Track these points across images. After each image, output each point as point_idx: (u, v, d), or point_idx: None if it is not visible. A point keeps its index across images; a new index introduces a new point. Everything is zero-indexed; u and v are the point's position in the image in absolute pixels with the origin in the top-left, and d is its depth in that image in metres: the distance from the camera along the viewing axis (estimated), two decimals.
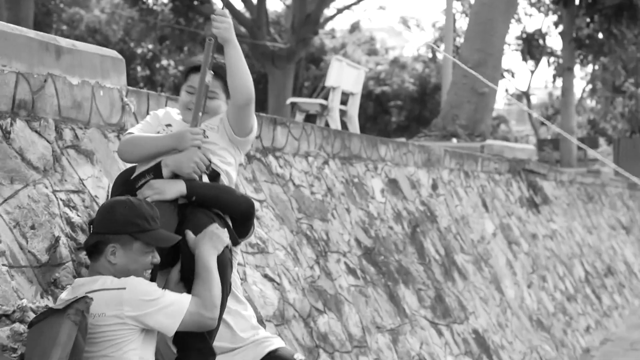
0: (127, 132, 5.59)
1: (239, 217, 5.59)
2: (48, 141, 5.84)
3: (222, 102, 5.76)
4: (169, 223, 5.22)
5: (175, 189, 5.28)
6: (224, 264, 5.35)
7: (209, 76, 5.48)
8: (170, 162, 5.34)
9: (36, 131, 5.77)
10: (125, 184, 5.48)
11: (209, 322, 5.02)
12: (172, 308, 4.81)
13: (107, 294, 4.73)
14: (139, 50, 41.23)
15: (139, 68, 41.85)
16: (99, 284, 4.82)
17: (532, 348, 13.40)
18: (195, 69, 5.65)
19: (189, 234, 5.24)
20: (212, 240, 5.23)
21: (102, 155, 6.32)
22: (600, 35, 34.58)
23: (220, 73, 5.67)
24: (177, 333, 5.19)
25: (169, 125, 5.57)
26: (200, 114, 5.43)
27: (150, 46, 41.30)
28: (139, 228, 4.82)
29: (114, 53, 6.61)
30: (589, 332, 17.67)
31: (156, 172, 5.35)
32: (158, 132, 5.57)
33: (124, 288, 4.73)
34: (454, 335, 11.06)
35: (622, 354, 16.62)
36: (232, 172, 5.71)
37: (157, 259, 4.97)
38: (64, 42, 6.16)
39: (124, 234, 4.83)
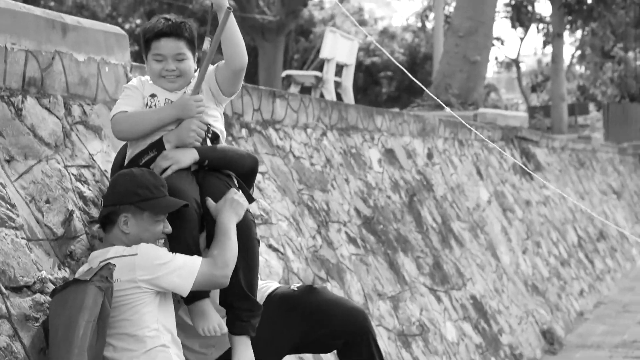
0: (117, 110, 5.47)
1: (246, 173, 5.62)
2: (58, 117, 5.88)
3: (192, 62, 5.72)
4: (192, 190, 5.27)
5: (189, 156, 5.29)
6: (249, 225, 5.41)
7: (207, 43, 5.50)
8: (172, 138, 5.36)
9: (46, 108, 5.81)
10: (129, 163, 5.45)
11: (221, 280, 5.06)
12: (184, 270, 4.87)
13: (120, 261, 4.78)
14: (127, 26, 41.06)
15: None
16: (111, 252, 4.89)
17: (528, 312, 13.45)
18: (161, 34, 5.55)
19: (210, 202, 5.30)
20: (232, 207, 5.28)
21: (110, 131, 6.32)
22: (590, 0, 34.52)
23: (185, 35, 5.65)
24: (223, 297, 5.40)
25: (153, 95, 5.53)
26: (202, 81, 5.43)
27: (138, 21, 41.10)
28: (141, 197, 4.87)
29: (117, 29, 6.64)
30: (583, 296, 17.74)
31: (159, 147, 5.35)
32: (147, 105, 5.54)
33: (136, 254, 4.80)
34: (452, 301, 11.11)
35: (615, 316, 16.71)
36: (223, 128, 5.75)
37: (168, 228, 5.00)
38: (69, 19, 6.19)
39: (128, 204, 4.89)
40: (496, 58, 55.19)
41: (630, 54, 43.75)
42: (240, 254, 5.28)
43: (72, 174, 5.75)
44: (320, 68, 15.10)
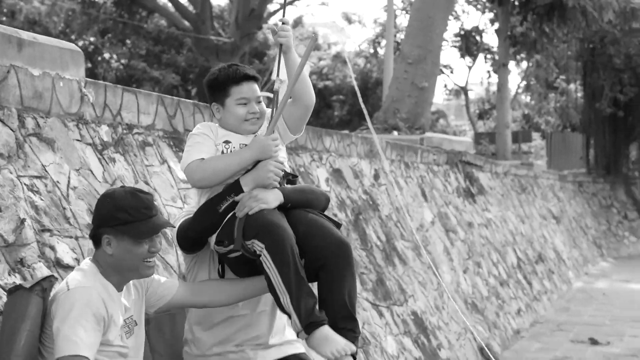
0: (192, 158, 5.30)
1: (321, 210, 5.45)
2: (11, 129, 5.91)
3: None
4: (287, 225, 5.13)
5: (275, 197, 5.18)
6: (351, 250, 5.32)
7: (277, 84, 5.52)
8: (249, 181, 5.23)
9: (0, 120, 5.87)
10: (208, 211, 5.34)
11: None
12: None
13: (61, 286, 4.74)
14: (80, 43, 40.78)
15: (101, 69, 41.54)
16: (69, 278, 4.79)
17: (467, 329, 13.54)
18: (245, 78, 5.49)
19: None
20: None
21: (63, 143, 6.37)
22: (533, 34, 34.74)
23: (258, 78, 5.62)
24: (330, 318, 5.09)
25: (227, 141, 5.37)
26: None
27: (92, 39, 40.88)
28: (119, 221, 4.71)
29: (72, 46, 6.65)
30: (520, 315, 17.86)
31: (237, 191, 5.24)
32: (222, 152, 5.39)
33: (68, 289, 4.67)
34: (393, 316, 11.14)
35: (549, 335, 16.87)
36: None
37: (155, 247, 4.87)
38: (25, 34, 6.25)
39: (107, 227, 4.75)
40: (445, 85, 55.28)
41: (572, 86, 44.03)
42: (348, 277, 5.17)
43: (25, 184, 5.78)
44: (272, 89, 15.13)
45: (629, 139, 40.06)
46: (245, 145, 5.31)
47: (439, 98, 64.29)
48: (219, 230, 5.19)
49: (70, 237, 6.00)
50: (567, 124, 48.02)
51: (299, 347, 5.72)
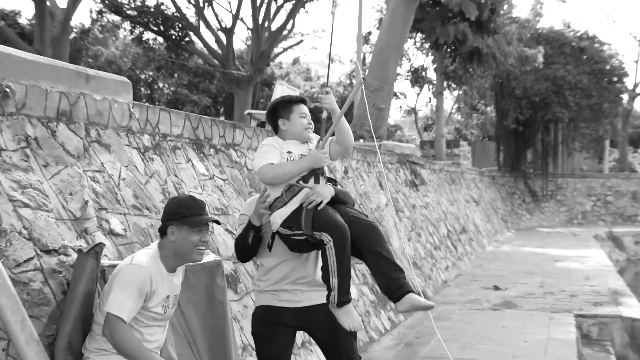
0: (264, 162, 5.19)
1: (351, 205, 5.31)
2: (80, 137, 5.92)
3: None
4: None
5: (330, 192, 5.08)
6: (378, 229, 5.29)
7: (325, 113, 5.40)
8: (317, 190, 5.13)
9: (72, 130, 5.85)
10: (241, 246, 5.37)
11: None
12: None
13: (126, 260, 4.76)
14: (143, 76, 40.76)
15: (142, 89, 41.34)
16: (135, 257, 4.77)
17: (409, 280, 13.50)
18: (302, 101, 5.48)
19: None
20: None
21: (116, 147, 6.37)
22: (460, 71, 34.88)
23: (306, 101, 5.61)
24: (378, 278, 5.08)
25: (289, 151, 5.24)
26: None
27: (150, 73, 40.82)
28: (181, 215, 4.72)
29: (124, 79, 6.64)
30: (447, 270, 17.85)
31: (254, 228, 5.22)
32: (286, 159, 5.26)
33: (130, 263, 4.66)
34: (356, 272, 11.08)
35: (467, 283, 16.89)
36: None
37: (205, 238, 4.86)
38: (92, 71, 6.24)
39: (172, 220, 4.75)
40: (401, 107, 55.59)
41: (488, 109, 44.07)
42: (385, 248, 5.08)
43: (88, 176, 5.79)
44: None
45: (526, 146, 40.21)
46: (303, 155, 5.21)
47: (397, 115, 64.35)
48: (286, 217, 5.05)
49: (120, 213, 5.99)
50: (485, 135, 48.20)
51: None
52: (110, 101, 6.39)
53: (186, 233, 4.74)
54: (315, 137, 5.44)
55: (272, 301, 5.34)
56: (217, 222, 5.02)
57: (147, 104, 7.12)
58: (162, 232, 4.83)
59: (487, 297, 14.66)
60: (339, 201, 5.19)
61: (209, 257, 5.69)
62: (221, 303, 5.91)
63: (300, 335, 8.26)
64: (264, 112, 12.64)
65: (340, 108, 5.32)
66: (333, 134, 5.34)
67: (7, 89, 5.20)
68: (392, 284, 4.97)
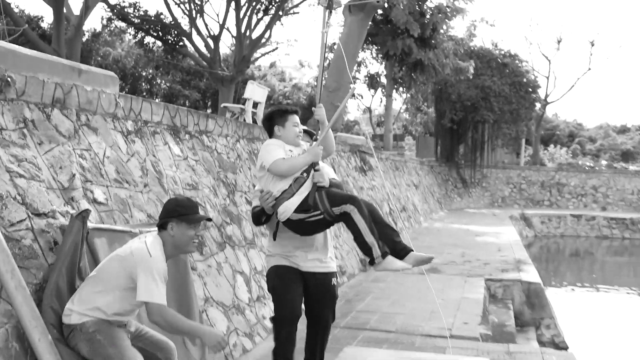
0: (275, 157, 5.17)
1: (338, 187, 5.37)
2: (72, 121, 5.87)
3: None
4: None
5: (328, 176, 5.26)
6: (369, 205, 5.27)
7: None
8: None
9: (65, 115, 5.81)
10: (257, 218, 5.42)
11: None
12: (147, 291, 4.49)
13: (142, 250, 4.58)
14: (144, 74, 40.39)
15: (143, 84, 41.00)
16: (148, 234, 4.78)
17: (353, 248, 13.43)
18: (295, 112, 5.47)
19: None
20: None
21: (103, 130, 6.31)
22: (407, 78, 34.93)
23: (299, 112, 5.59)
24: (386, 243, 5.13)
25: (291, 150, 5.27)
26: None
27: (150, 71, 40.43)
28: (180, 213, 4.68)
29: (111, 73, 6.58)
30: None
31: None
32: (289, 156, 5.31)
33: (151, 256, 4.55)
34: None
35: None
36: None
37: (199, 232, 4.83)
38: (84, 66, 6.19)
39: (172, 217, 4.69)
40: (359, 106, 55.54)
41: (430, 110, 44.19)
42: (375, 213, 5.16)
43: (77, 153, 5.74)
44: (244, 103, 15.09)
45: (459, 142, 40.38)
46: (303, 152, 5.30)
47: (357, 113, 64.31)
48: (297, 205, 5.10)
49: (103, 185, 5.96)
50: (427, 132, 48.31)
51: (334, 267, 5.60)
52: (99, 92, 6.34)
53: (184, 228, 4.70)
54: (304, 144, 5.49)
55: (282, 261, 5.42)
56: (210, 220, 5.04)
57: (130, 95, 7.07)
58: (161, 227, 4.75)
59: (411, 259, 14.68)
60: (333, 185, 5.28)
61: None
62: (184, 262, 5.98)
63: (256, 289, 8.32)
64: (238, 105, 12.40)
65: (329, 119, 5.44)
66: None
67: (9, 79, 5.18)
68: (397, 246, 5.13)
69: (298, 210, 5.12)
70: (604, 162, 47.71)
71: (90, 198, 5.65)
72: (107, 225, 5.45)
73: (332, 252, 5.63)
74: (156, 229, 4.83)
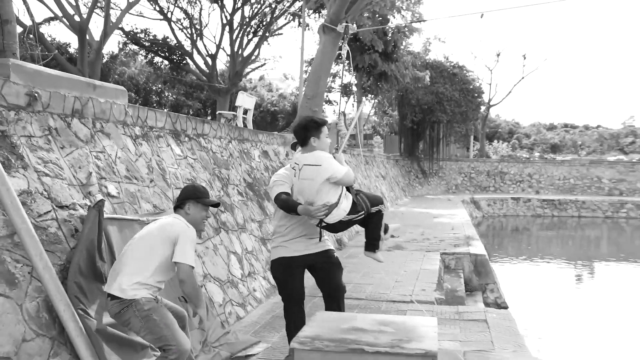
0: (346, 169, 4.87)
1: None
2: (88, 128, 5.86)
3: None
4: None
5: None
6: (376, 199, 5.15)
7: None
8: None
9: (83, 123, 5.80)
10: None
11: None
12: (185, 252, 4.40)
13: (181, 222, 4.50)
14: (154, 88, 40.16)
15: (153, 97, 40.74)
16: (167, 217, 4.66)
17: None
18: (324, 124, 4.96)
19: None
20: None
21: (114, 135, 6.30)
22: (374, 87, 34.98)
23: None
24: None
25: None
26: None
27: (159, 85, 40.21)
28: (197, 196, 4.62)
29: (122, 88, 6.57)
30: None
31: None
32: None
33: (188, 227, 4.48)
34: None
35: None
36: None
37: (209, 215, 4.80)
38: (98, 82, 6.16)
39: (190, 199, 4.61)
40: (335, 111, 55.36)
41: (395, 112, 44.18)
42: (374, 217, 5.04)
43: (93, 155, 5.73)
44: (237, 110, 15.08)
45: (419, 139, 40.46)
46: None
47: (333, 117, 64.02)
48: (350, 209, 4.85)
49: (116, 182, 5.95)
50: (392, 131, 48.28)
51: (330, 245, 5.37)
52: (111, 103, 6.33)
53: (200, 209, 4.66)
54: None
55: (283, 253, 5.16)
56: (219, 205, 4.92)
57: (139, 105, 7.07)
58: (179, 207, 4.68)
59: (385, 243, 14.71)
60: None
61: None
62: None
63: (248, 267, 8.34)
64: (231, 112, 12.26)
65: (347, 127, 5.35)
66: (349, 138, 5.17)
67: (36, 94, 5.17)
68: (385, 228, 5.26)
69: (350, 212, 4.90)
70: (536, 154, 48.03)
71: (104, 192, 5.65)
72: (119, 215, 5.47)
73: (326, 234, 5.43)
74: (163, 216, 4.75)
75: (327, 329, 3.65)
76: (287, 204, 4.92)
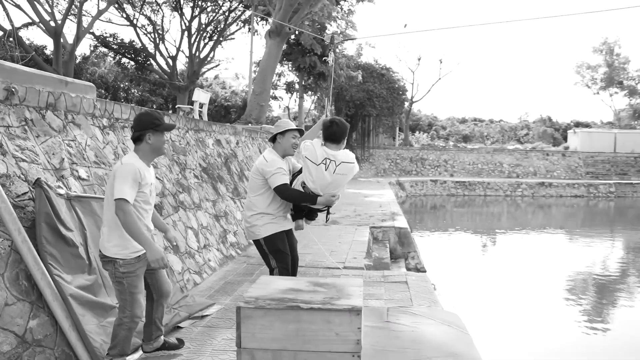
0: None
1: None
2: (60, 119, 5.72)
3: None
4: None
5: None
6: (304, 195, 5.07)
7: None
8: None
9: (56, 115, 5.67)
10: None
11: None
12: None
13: (117, 163, 4.19)
14: (121, 85, 39.17)
15: (121, 94, 39.68)
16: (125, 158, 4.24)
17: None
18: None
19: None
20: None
21: (84, 125, 6.14)
22: (314, 85, 34.97)
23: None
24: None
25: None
26: None
27: (126, 83, 39.23)
28: (154, 125, 4.19)
29: (90, 84, 6.42)
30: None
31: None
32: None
33: (122, 164, 4.13)
34: (241, 202, 11.04)
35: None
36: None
37: (166, 142, 4.50)
38: (69, 79, 6.01)
39: (148, 129, 4.21)
40: (280, 105, 55.18)
41: (332, 107, 44.26)
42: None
43: (65, 143, 5.61)
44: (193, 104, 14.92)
45: (352, 130, 40.67)
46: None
47: (279, 111, 63.71)
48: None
49: (86, 166, 5.84)
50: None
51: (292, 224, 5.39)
52: (81, 97, 6.19)
53: (159, 136, 4.26)
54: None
55: (277, 229, 5.13)
56: (174, 127, 4.61)
57: (106, 99, 6.92)
58: (138, 139, 4.25)
59: (323, 219, 14.71)
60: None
61: None
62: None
63: (203, 240, 8.30)
64: (188, 106, 12.06)
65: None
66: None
67: (14, 89, 5.04)
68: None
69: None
70: (451, 143, 48.92)
71: (76, 176, 5.55)
72: (87, 194, 5.38)
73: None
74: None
75: (270, 290, 3.71)
76: (303, 195, 4.98)
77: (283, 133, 5.21)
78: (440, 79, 49.34)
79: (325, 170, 4.84)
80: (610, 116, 54.52)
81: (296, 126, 5.38)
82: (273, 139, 5.28)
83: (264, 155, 5.21)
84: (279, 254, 5.18)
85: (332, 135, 4.93)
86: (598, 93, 55.26)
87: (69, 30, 62.10)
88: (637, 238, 21.30)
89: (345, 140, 4.88)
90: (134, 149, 4.32)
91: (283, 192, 4.98)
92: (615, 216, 27.99)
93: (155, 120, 4.27)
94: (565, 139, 50.97)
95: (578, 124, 55.15)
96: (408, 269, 11.85)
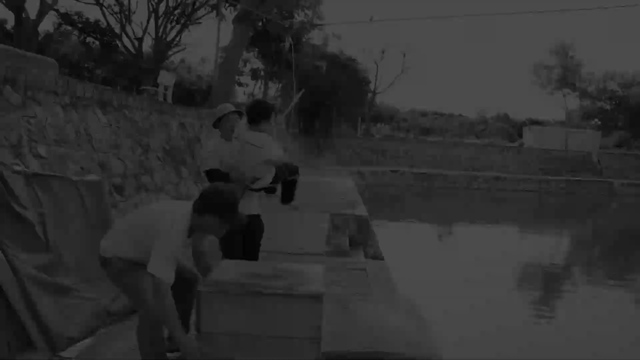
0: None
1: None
2: (20, 95, 5.48)
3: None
4: None
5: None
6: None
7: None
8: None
9: (15, 91, 5.41)
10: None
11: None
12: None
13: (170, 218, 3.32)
14: (86, 65, 38.13)
15: (85, 74, 38.66)
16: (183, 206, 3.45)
17: None
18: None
19: None
20: None
21: (45, 103, 5.92)
22: (280, 72, 34.75)
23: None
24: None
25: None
26: None
27: (91, 63, 38.35)
28: (224, 215, 3.42)
29: (52, 60, 6.28)
30: None
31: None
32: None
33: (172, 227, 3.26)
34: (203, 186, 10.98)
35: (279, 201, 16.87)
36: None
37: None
38: (30, 54, 5.88)
39: (215, 212, 3.37)
40: (244, 92, 54.46)
41: (297, 95, 44.21)
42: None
43: (25, 120, 5.37)
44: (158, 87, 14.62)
45: (315, 119, 40.66)
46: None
47: (243, 98, 63.06)
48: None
49: (46, 144, 5.63)
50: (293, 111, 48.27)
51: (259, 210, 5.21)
52: (42, 74, 5.96)
53: (219, 225, 3.41)
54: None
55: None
56: (244, 221, 3.79)
57: (68, 77, 6.67)
58: (201, 211, 3.39)
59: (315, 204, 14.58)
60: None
61: (91, 176, 5.31)
62: (105, 203, 5.62)
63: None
64: (153, 87, 11.65)
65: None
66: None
67: None
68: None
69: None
70: (412, 136, 49.40)
71: (35, 154, 5.33)
72: (45, 172, 5.16)
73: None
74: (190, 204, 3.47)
75: (231, 274, 3.61)
76: (220, 173, 4.84)
77: (222, 117, 5.04)
78: (403, 72, 49.73)
79: (233, 148, 4.82)
80: (562, 116, 55.79)
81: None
82: (216, 125, 5.14)
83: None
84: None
85: (247, 114, 4.91)
86: (552, 93, 56.42)
87: (33, 6, 60.32)
88: (583, 232, 21.88)
89: (267, 122, 4.78)
90: (190, 213, 3.44)
91: (208, 176, 4.87)
92: (564, 211, 28.71)
93: (227, 213, 3.44)
94: (520, 135, 51.95)
95: (533, 122, 56.28)
96: (366, 257, 11.83)
